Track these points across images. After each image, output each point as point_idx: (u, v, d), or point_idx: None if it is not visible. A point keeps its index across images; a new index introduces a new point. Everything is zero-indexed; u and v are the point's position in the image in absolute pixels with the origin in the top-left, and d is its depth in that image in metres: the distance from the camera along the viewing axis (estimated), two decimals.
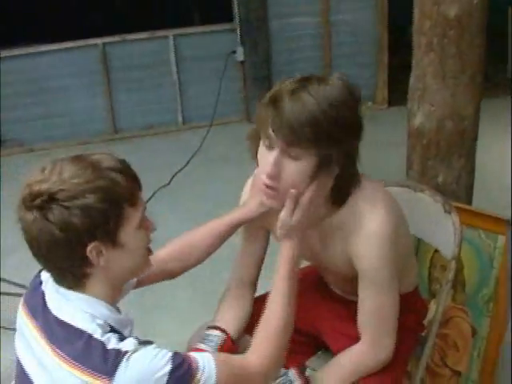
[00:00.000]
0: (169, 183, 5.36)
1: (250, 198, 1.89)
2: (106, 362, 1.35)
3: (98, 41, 6.31)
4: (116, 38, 6.37)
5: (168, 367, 1.36)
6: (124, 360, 1.35)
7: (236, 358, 1.59)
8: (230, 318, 1.96)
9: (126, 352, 1.36)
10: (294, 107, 1.54)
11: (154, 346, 1.41)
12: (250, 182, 1.92)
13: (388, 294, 1.72)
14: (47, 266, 1.47)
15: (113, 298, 1.53)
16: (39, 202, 1.36)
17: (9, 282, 3.61)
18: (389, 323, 1.75)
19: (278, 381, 1.76)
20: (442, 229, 2.08)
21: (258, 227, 1.95)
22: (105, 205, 1.37)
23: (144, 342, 1.42)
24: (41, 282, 1.57)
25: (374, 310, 1.73)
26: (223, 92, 6.43)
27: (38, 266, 1.61)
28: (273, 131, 1.57)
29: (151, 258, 1.61)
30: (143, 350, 1.38)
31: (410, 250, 1.99)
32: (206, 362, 1.44)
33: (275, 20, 6.39)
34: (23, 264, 4.00)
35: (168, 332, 3.35)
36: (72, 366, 1.37)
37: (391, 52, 6.63)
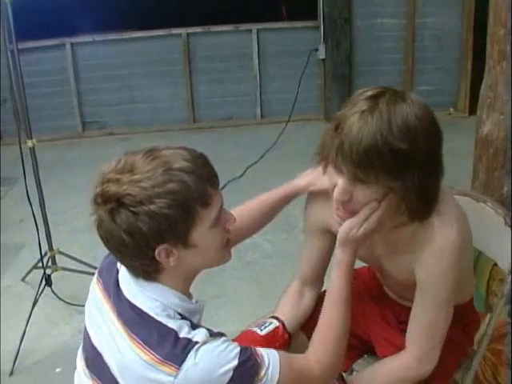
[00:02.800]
0: (241, 175, 5.39)
1: (304, 174, 1.91)
2: (176, 350, 1.37)
3: (182, 31, 6.35)
4: (200, 29, 6.40)
5: (235, 362, 1.38)
6: (193, 350, 1.37)
7: (299, 361, 1.59)
8: (287, 310, 1.97)
9: (197, 342, 1.39)
10: (357, 133, 1.48)
11: (224, 339, 1.43)
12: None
13: (444, 311, 1.70)
14: (120, 261, 1.50)
15: (185, 288, 1.55)
16: (108, 205, 1.37)
17: (77, 260, 3.73)
18: (439, 338, 1.72)
19: None
20: (501, 241, 2.02)
21: (320, 223, 1.91)
22: (173, 210, 1.36)
23: (215, 334, 1.45)
24: (116, 262, 1.59)
25: (428, 325, 1.71)
26: (303, 89, 6.40)
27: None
28: (337, 157, 1.52)
29: None
30: (213, 343, 1.40)
31: (471, 263, 1.96)
32: (271, 360, 1.46)
33: (359, 20, 6.30)
34: (92, 243, 4.16)
35: (224, 322, 3.41)
36: (143, 350, 1.39)
37: (475, 59, 6.44)
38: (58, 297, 3.50)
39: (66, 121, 6.52)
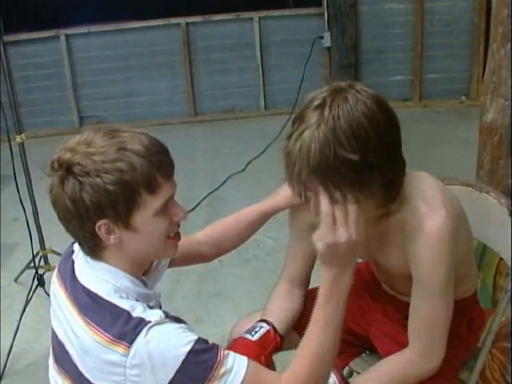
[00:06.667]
0: (243, 170, 5.28)
1: (281, 189, 1.91)
2: (127, 328, 1.41)
3: (181, 20, 6.24)
4: (200, 18, 6.29)
5: (187, 348, 1.39)
6: (145, 329, 1.40)
7: (269, 378, 1.53)
8: (277, 313, 1.94)
9: (149, 322, 1.41)
10: (307, 153, 1.47)
11: (182, 325, 1.45)
12: None
13: (442, 301, 1.65)
14: (66, 229, 1.52)
15: (135, 272, 1.56)
16: (60, 171, 1.44)
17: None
18: (441, 331, 1.68)
19: None
20: (505, 234, 1.96)
21: (307, 224, 1.83)
22: (116, 187, 1.41)
23: (173, 318, 1.47)
24: (72, 252, 1.64)
25: (427, 317, 1.67)
26: (307, 78, 6.22)
27: None
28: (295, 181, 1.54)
29: (187, 239, 1.70)
30: (167, 325, 1.43)
31: (469, 254, 1.91)
32: (237, 364, 1.44)
33: (365, 5, 6.15)
34: None
35: (222, 321, 3.35)
36: (96, 332, 1.43)
37: (488, 44, 6.25)
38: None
39: (62, 115, 6.46)
